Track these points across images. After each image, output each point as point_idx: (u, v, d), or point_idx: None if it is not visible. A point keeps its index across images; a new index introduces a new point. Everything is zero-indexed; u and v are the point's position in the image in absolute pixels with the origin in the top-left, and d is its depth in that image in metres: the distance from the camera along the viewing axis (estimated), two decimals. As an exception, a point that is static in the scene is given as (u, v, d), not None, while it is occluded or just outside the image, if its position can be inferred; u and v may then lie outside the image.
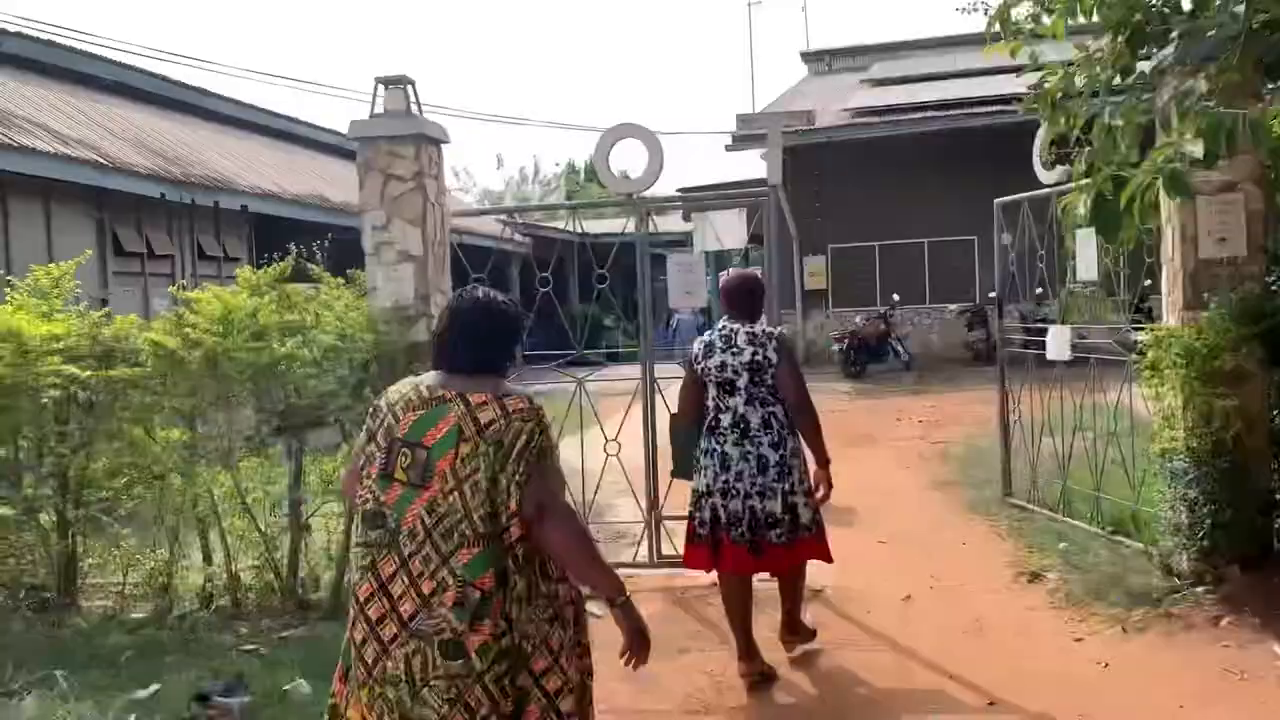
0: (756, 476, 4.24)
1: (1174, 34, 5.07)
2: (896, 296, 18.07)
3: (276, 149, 16.96)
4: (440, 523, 2.35)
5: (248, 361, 5.19)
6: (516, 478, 2.35)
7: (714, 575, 5.43)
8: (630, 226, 6.44)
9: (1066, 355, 6.41)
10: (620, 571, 2.79)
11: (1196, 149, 3.61)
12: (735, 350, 4.32)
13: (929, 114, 17.98)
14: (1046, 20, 5.57)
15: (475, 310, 2.56)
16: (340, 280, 5.72)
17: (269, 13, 72.69)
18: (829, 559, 4.49)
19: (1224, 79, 4.03)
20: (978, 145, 17.43)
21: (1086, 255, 6.00)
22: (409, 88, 5.69)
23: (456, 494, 2.34)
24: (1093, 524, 6.18)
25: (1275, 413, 4.77)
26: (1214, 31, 4.39)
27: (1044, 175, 6.53)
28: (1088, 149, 4.68)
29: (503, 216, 17.20)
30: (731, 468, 4.27)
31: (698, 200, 6.11)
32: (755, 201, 6.19)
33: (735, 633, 4.39)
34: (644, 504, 6.01)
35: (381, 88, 5.71)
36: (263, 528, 5.52)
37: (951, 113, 17.75)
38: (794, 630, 4.63)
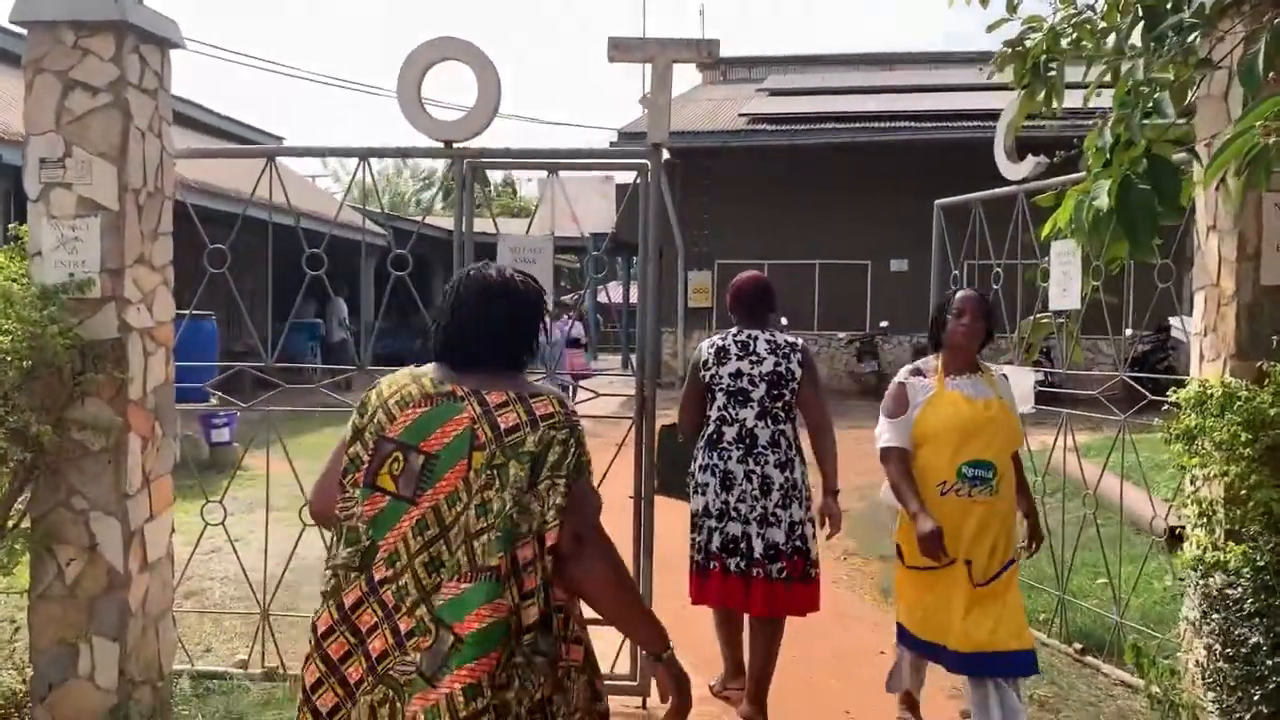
0: (759, 499, 3.78)
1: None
2: (784, 320, 16.76)
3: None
4: (432, 546, 1.83)
5: None
6: (554, 500, 1.85)
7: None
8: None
9: (1029, 407, 4.87)
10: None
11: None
12: (755, 359, 3.87)
13: (829, 125, 16.72)
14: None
15: (489, 292, 2.02)
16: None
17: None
18: (817, 607, 3.91)
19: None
20: (880, 164, 16.29)
21: (1066, 274, 4.47)
22: (119, -44, 3.74)
23: (467, 514, 1.83)
24: (1052, 636, 4.64)
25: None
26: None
27: (1008, 169, 5.00)
28: (1111, 119, 3.26)
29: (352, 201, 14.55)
30: (734, 488, 3.81)
31: (546, 157, 4.25)
32: (630, 167, 4.36)
33: (724, 651, 4.12)
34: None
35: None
36: None
37: (853, 125, 16.55)
38: (759, 704, 3.86)
